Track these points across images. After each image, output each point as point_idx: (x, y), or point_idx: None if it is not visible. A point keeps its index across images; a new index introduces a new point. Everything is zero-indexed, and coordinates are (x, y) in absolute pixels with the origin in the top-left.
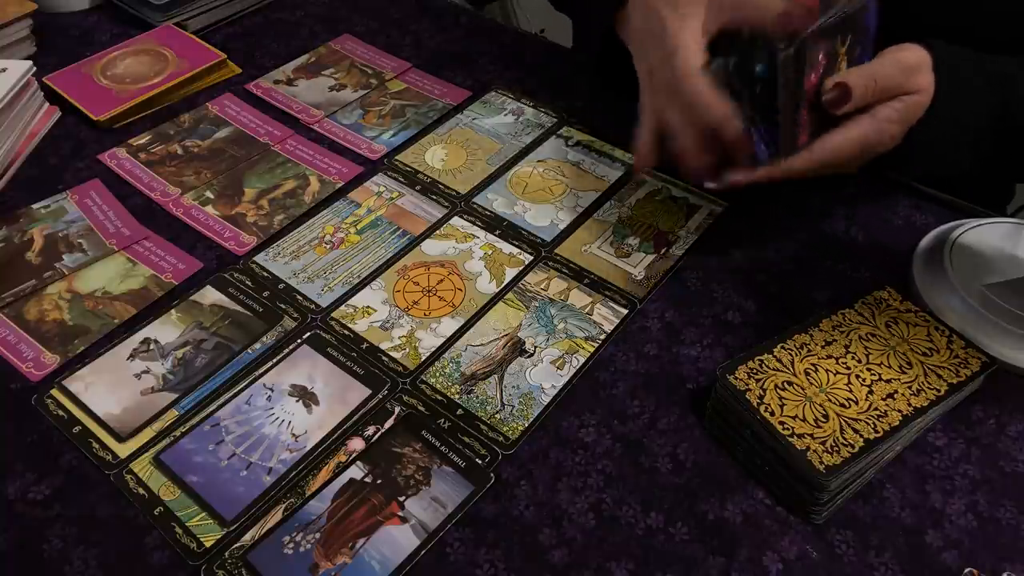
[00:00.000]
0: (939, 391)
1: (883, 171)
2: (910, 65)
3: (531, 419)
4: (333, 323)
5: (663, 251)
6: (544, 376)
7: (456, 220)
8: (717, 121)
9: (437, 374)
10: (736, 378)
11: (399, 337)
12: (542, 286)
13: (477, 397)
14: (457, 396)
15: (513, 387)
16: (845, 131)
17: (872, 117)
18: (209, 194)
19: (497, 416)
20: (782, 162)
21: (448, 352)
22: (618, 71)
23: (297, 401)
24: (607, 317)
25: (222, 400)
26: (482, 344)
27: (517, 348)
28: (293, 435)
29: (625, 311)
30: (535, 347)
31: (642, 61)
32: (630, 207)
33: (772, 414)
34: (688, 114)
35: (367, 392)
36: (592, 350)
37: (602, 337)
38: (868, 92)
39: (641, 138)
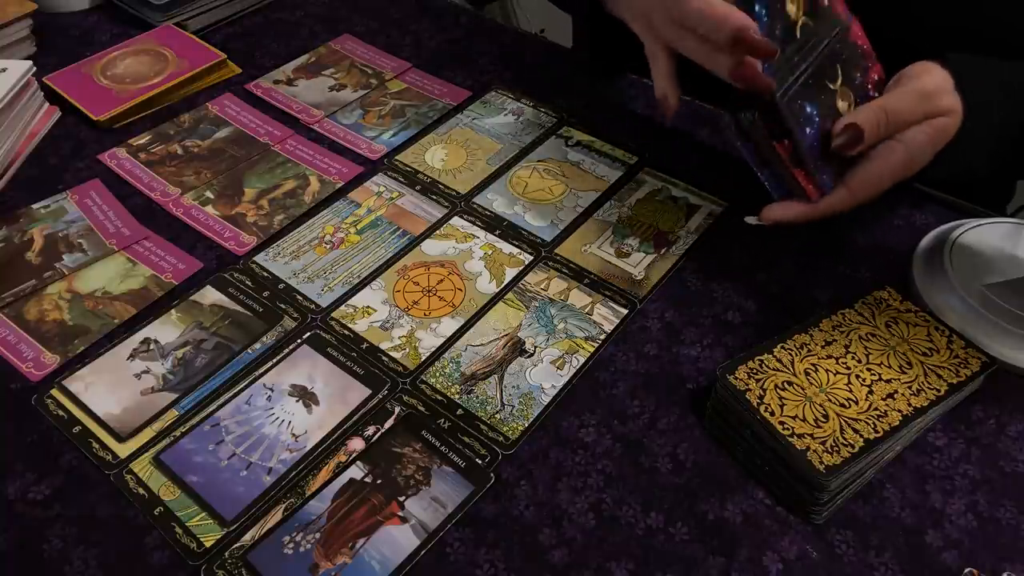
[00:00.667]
0: (939, 391)
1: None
2: (929, 92)
3: (531, 419)
4: (333, 323)
5: (663, 251)
6: (544, 376)
7: (456, 220)
8: (732, 26)
9: (437, 374)
10: (736, 378)
11: (399, 337)
12: (542, 286)
13: (477, 397)
14: (457, 396)
15: (513, 387)
16: (881, 165)
17: (905, 146)
18: (209, 194)
19: (497, 416)
20: (820, 203)
21: (448, 352)
22: (613, 52)
23: (297, 401)
24: (607, 317)
25: (222, 400)
26: (482, 344)
27: (517, 348)
28: (293, 435)
29: (625, 311)
30: (535, 347)
31: (636, 10)
32: (630, 207)
33: (772, 414)
34: (701, 29)
35: (367, 392)
36: (592, 350)
37: (602, 337)
38: (880, 127)
39: (659, 84)
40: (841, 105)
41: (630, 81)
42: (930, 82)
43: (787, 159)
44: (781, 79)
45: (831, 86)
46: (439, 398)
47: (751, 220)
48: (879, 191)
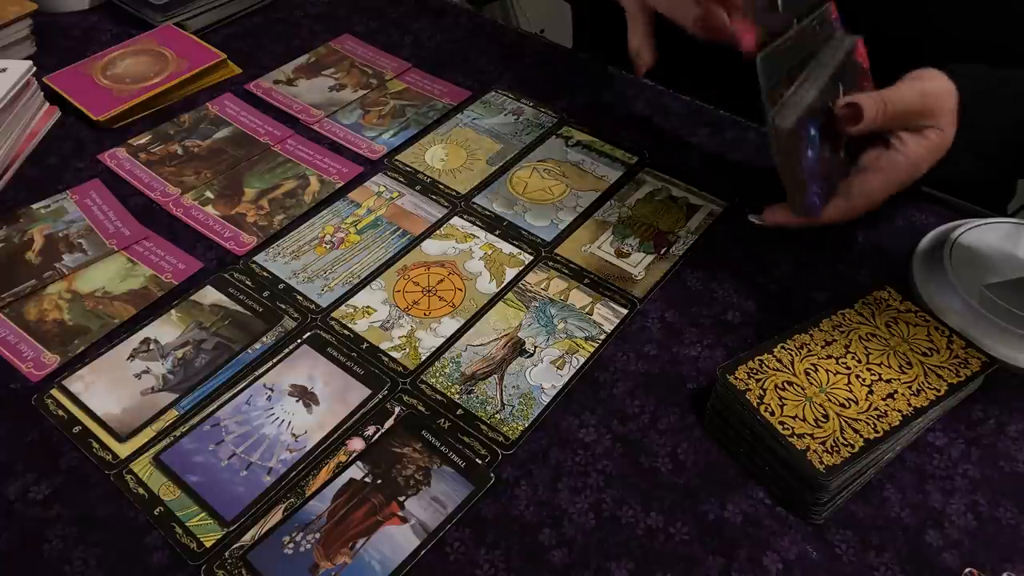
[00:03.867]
0: (939, 391)
1: None
2: (929, 92)
3: (531, 419)
4: (333, 323)
5: (663, 251)
6: (544, 376)
7: (456, 220)
8: None
9: (437, 374)
10: (736, 378)
11: (399, 337)
12: (542, 286)
13: (477, 397)
14: (457, 396)
15: (513, 387)
16: (882, 177)
17: (906, 159)
18: (209, 194)
19: (497, 416)
20: (823, 213)
21: (448, 352)
22: (615, 52)
23: (297, 401)
24: (607, 317)
25: (222, 400)
26: (482, 344)
27: (517, 348)
28: (293, 435)
29: (625, 311)
30: (535, 347)
31: None
32: (630, 207)
33: (772, 414)
34: None
35: (367, 392)
36: (592, 350)
37: (602, 337)
38: (879, 114)
39: (633, 42)
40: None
41: (630, 81)
42: (931, 85)
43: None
44: (775, 72)
45: (831, 105)
46: (439, 398)
47: (755, 219)
48: (878, 203)
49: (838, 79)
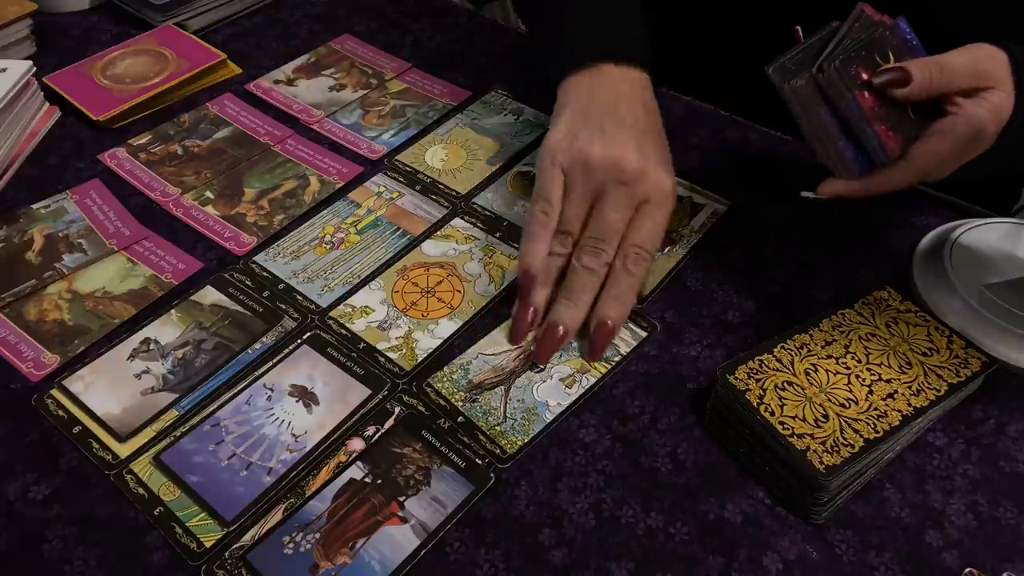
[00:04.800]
0: (939, 391)
1: (957, 173)
2: (980, 57)
3: (531, 435)
4: (331, 322)
5: (665, 250)
6: (551, 393)
7: (456, 221)
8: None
9: (444, 379)
10: (736, 378)
11: (396, 338)
12: None
13: (481, 407)
14: (461, 403)
15: (518, 400)
16: (942, 135)
17: (967, 119)
18: (209, 194)
19: (497, 428)
20: (880, 174)
21: (459, 358)
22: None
23: (297, 401)
24: (624, 339)
25: (222, 400)
26: (494, 354)
27: (530, 362)
28: (293, 435)
29: (645, 334)
30: (547, 362)
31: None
32: None
33: (772, 414)
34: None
35: (367, 392)
36: (604, 372)
37: (616, 359)
38: (932, 79)
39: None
40: None
41: None
42: (981, 52)
43: (869, 112)
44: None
45: (882, 63)
46: (442, 402)
47: (807, 194)
48: (942, 166)
49: (884, 45)
